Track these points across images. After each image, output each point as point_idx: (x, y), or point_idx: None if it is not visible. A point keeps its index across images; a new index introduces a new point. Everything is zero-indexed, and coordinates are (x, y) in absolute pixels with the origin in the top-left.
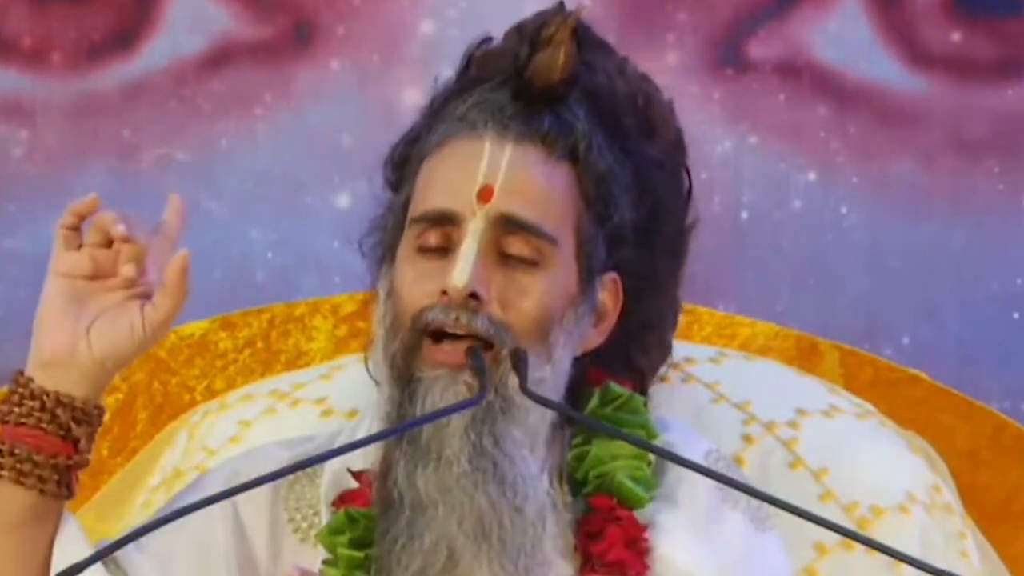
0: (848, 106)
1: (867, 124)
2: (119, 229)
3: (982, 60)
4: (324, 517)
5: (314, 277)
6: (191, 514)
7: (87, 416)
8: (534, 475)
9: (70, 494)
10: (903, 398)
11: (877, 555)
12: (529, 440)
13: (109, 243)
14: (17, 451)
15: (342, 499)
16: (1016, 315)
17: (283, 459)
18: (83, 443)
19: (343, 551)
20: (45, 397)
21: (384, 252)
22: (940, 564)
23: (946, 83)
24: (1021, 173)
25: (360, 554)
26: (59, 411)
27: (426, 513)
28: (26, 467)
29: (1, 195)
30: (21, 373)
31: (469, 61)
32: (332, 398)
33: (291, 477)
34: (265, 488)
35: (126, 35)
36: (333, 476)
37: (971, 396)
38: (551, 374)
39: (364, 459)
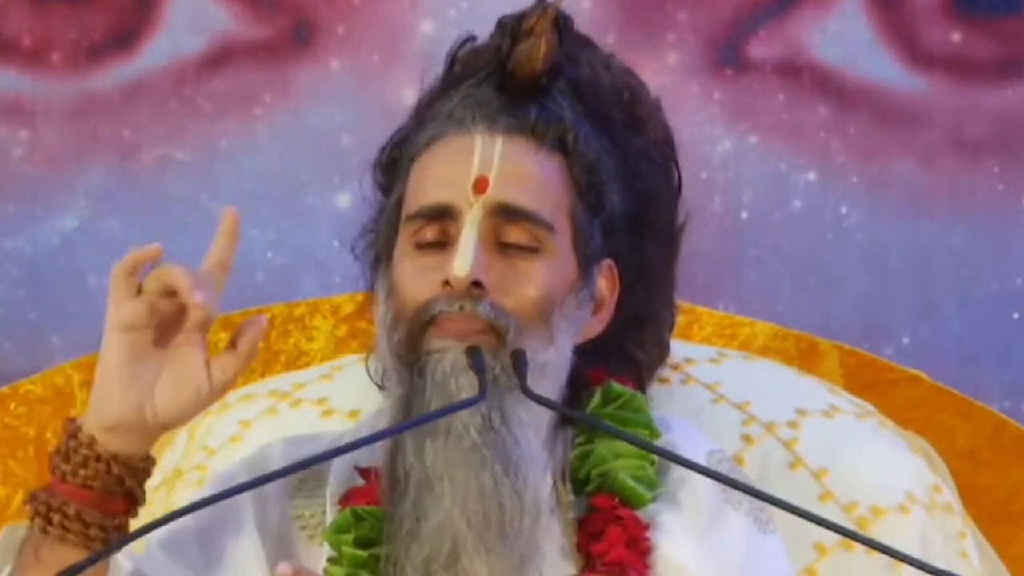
0: (848, 106)
1: (867, 124)
2: (197, 297)
3: (982, 60)
4: (331, 515)
5: (314, 277)
6: (219, 526)
7: (145, 471)
8: (536, 459)
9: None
10: (903, 398)
11: (877, 555)
12: (533, 423)
13: (171, 292)
14: (85, 516)
15: (347, 497)
16: (1016, 315)
17: (293, 458)
18: (139, 494)
19: (347, 550)
20: (113, 461)
21: (379, 253)
22: (940, 564)
23: (946, 83)
24: (1021, 173)
25: (364, 553)
26: (124, 474)
27: (432, 491)
28: (93, 531)
29: (1, 195)
30: (79, 428)
31: (453, 59)
32: (333, 398)
33: (299, 475)
34: (275, 487)
35: (126, 35)
36: (340, 474)
37: (971, 396)
38: (555, 357)
39: (371, 457)
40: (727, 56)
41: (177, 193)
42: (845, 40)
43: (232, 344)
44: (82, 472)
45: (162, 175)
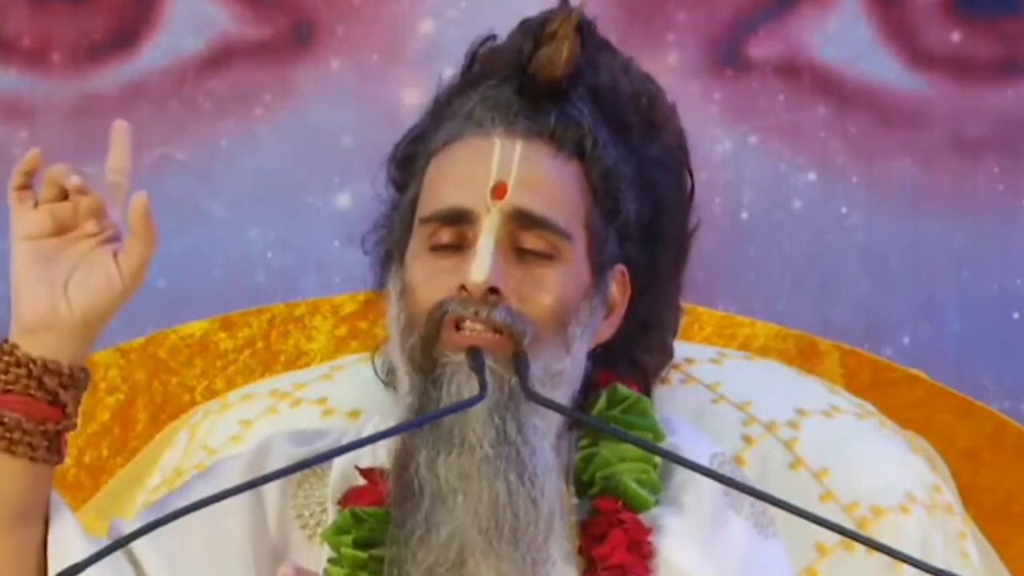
0: (848, 106)
1: (867, 124)
2: (74, 180)
3: (982, 60)
4: (331, 514)
5: (314, 277)
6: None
7: (74, 380)
8: (550, 467)
9: (59, 459)
10: (903, 398)
11: (877, 555)
12: (547, 430)
13: (64, 195)
14: (6, 420)
15: (348, 497)
16: (1016, 315)
17: (295, 455)
18: (70, 407)
19: (347, 551)
20: (32, 365)
21: (391, 251)
22: (940, 564)
23: (946, 83)
24: (1021, 173)
25: (364, 554)
26: (46, 378)
27: (445, 503)
28: (15, 435)
29: (1, 195)
30: (6, 340)
31: (473, 58)
32: (333, 398)
33: (299, 474)
34: (274, 484)
35: (126, 35)
36: (341, 474)
37: (971, 396)
38: (570, 366)
39: (372, 457)
40: (727, 56)
41: (177, 193)
42: (845, 40)
43: (130, 230)
44: (2, 378)
45: (162, 175)
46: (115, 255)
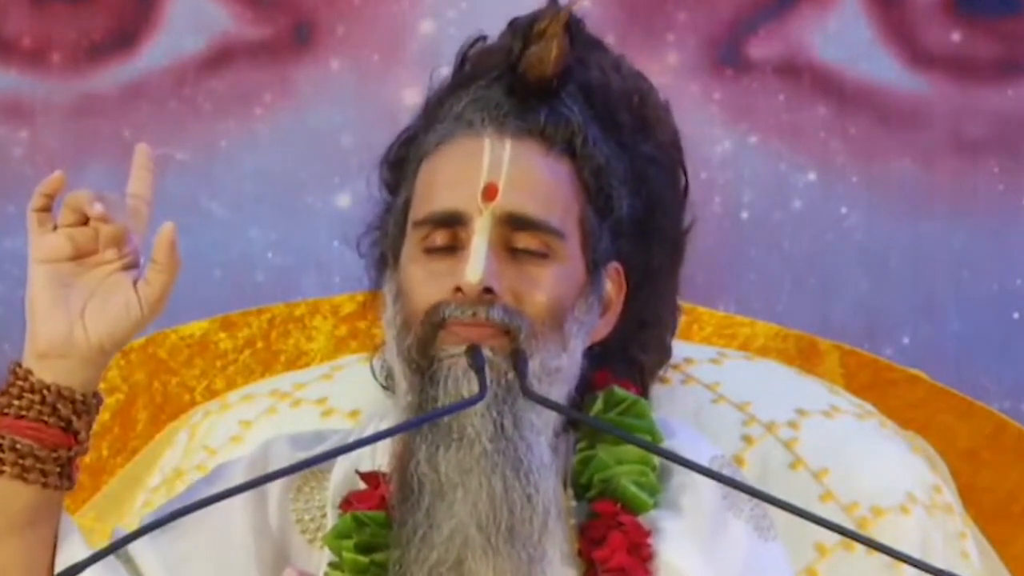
0: (848, 106)
1: (867, 124)
2: (97, 209)
3: (982, 60)
4: (331, 519)
5: (314, 277)
6: (207, 510)
7: (87, 407)
8: (546, 465)
9: (71, 484)
10: (903, 398)
11: (877, 555)
12: (543, 427)
13: (85, 220)
14: (19, 446)
15: (348, 501)
16: (1016, 315)
17: (296, 458)
18: (83, 434)
19: (348, 555)
20: (46, 391)
21: (385, 254)
22: (940, 564)
23: (946, 83)
24: (1021, 173)
25: (365, 559)
26: (60, 405)
27: (445, 499)
28: (28, 462)
29: (1, 195)
30: (19, 364)
31: (463, 59)
32: (333, 398)
33: (299, 478)
34: (275, 486)
35: (126, 35)
36: (341, 478)
37: (971, 396)
38: (567, 363)
39: (372, 461)
40: (727, 56)
41: (177, 193)
42: (845, 40)
43: (153, 259)
44: (16, 403)
45: (162, 175)
46: (134, 283)
